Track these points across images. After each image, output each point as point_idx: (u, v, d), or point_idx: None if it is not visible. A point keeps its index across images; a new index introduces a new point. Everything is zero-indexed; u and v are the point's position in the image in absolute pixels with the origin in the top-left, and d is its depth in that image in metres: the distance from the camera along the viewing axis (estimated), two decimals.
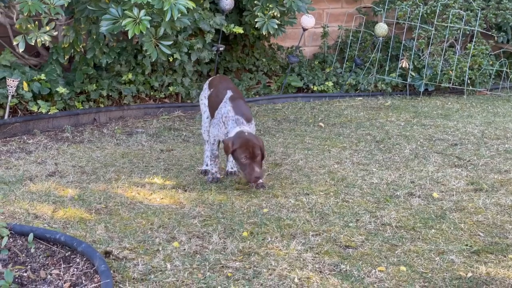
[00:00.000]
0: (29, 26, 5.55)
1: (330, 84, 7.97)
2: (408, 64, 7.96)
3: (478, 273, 3.17)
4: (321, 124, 6.48)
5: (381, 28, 7.81)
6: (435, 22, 7.93)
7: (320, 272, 3.21)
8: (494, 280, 3.10)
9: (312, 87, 7.94)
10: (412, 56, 8.01)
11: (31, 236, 3.36)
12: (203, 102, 4.85)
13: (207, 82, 4.93)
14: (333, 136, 5.97)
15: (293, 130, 6.23)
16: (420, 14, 7.91)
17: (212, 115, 4.65)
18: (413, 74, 7.95)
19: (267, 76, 8.03)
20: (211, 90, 4.76)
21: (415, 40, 8.05)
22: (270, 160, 5.13)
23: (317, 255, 3.39)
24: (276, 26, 6.87)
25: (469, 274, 3.15)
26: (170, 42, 5.80)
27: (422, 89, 7.87)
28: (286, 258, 3.35)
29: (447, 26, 7.89)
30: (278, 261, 3.31)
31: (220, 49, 7.19)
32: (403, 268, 3.22)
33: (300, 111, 7.14)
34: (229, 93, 4.58)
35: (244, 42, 7.84)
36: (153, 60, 5.78)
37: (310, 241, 3.56)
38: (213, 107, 4.62)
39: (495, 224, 3.78)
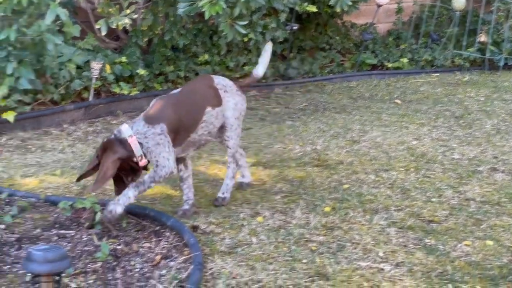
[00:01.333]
0: (110, 10, 5.72)
1: (405, 60, 7.88)
2: (487, 38, 7.77)
3: None
4: (397, 101, 6.44)
5: (458, 2, 7.65)
6: None
7: (405, 246, 3.23)
8: None
9: (386, 64, 7.88)
10: (491, 30, 7.81)
11: (124, 212, 3.51)
12: None
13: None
14: (410, 113, 5.93)
15: (369, 108, 6.21)
16: None
17: None
18: (492, 48, 7.76)
19: (340, 54, 8.00)
20: None
21: (494, 13, 7.84)
22: (348, 137, 5.15)
23: (400, 230, 3.41)
24: (350, 3, 6.80)
25: None
26: (245, 22, 5.85)
27: (501, 64, 7.68)
28: (370, 233, 3.38)
29: None
30: (362, 235, 3.35)
31: (294, 28, 7.21)
32: (489, 242, 3.21)
33: (375, 89, 7.10)
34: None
35: (317, 20, 7.83)
36: (229, 40, 5.85)
37: (393, 216, 3.58)
38: None
39: None
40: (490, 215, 3.54)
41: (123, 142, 3.48)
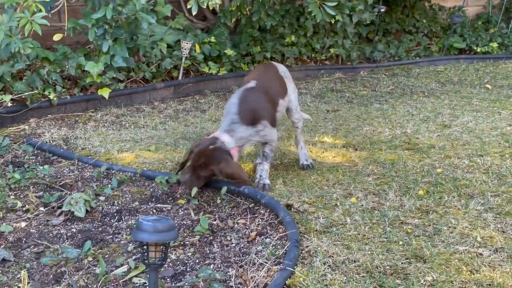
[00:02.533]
0: None
1: (495, 45, 7.66)
2: None
3: None
4: (488, 86, 6.28)
5: None
6: None
7: (503, 232, 3.17)
8: None
9: (475, 48, 7.68)
10: None
11: (224, 189, 3.59)
12: None
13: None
14: (502, 98, 5.77)
15: (458, 92, 6.08)
16: None
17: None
18: None
19: (427, 38, 7.85)
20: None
21: None
22: (438, 122, 5.07)
23: (498, 216, 3.34)
24: None
25: None
26: (335, 3, 5.82)
27: None
28: (466, 217, 3.33)
29: None
30: (458, 220, 3.30)
31: (381, 10, 7.12)
32: None
33: (464, 73, 6.94)
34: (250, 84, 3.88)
35: (404, 3, 7.71)
36: (318, 21, 5.83)
37: (490, 202, 3.51)
38: None
39: None
40: None
41: (229, 153, 3.63)
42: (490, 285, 2.71)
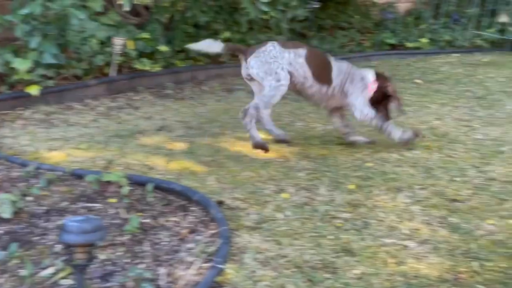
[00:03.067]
0: None
1: (425, 40, 7.85)
2: (508, 19, 7.71)
3: None
4: (418, 81, 6.43)
5: None
6: None
7: (429, 224, 3.26)
8: None
9: (406, 44, 7.84)
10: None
11: (150, 186, 3.56)
12: None
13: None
14: (431, 93, 5.92)
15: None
16: None
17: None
18: None
19: (360, 33, 7.98)
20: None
21: None
22: None
23: (424, 208, 3.43)
24: None
25: None
26: (268, 0, 5.87)
27: None
28: (394, 210, 3.41)
29: None
30: (386, 213, 3.37)
31: (315, 6, 7.20)
32: None
33: (396, 68, 7.08)
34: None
35: None
36: (251, 17, 5.86)
37: (417, 194, 3.60)
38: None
39: None
40: None
41: None
42: (415, 276, 2.78)
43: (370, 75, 4.35)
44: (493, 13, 7.95)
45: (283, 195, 3.61)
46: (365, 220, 3.30)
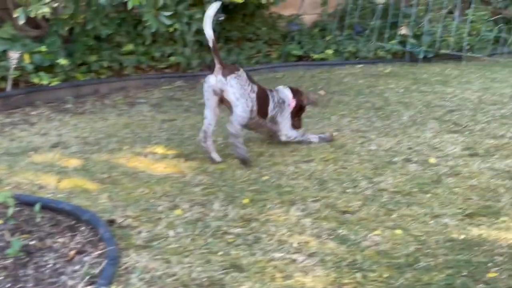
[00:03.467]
0: None
1: (330, 52, 8.00)
2: (408, 31, 7.98)
3: (470, 235, 3.27)
4: (321, 92, 6.54)
5: None
6: None
7: (318, 237, 3.30)
8: (485, 242, 3.20)
9: (312, 55, 7.98)
10: (411, 23, 8.02)
11: (37, 206, 3.46)
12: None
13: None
14: (332, 104, 6.03)
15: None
16: None
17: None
18: (412, 41, 7.97)
19: (267, 45, 8.05)
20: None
21: (414, 7, 8.05)
22: None
23: (315, 221, 3.48)
24: None
25: (462, 236, 3.25)
26: (170, 13, 5.83)
27: (421, 56, 7.90)
28: (286, 224, 3.44)
29: None
30: (278, 227, 3.40)
31: (220, 18, 7.21)
32: (398, 231, 3.32)
33: (301, 80, 7.19)
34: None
35: (244, 11, 7.85)
36: (153, 31, 5.82)
37: (309, 207, 3.65)
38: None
39: (489, 188, 3.87)
40: (401, 205, 3.65)
41: None
42: None
43: (289, 94, 4.76)
44: (395, 26, 8.20)
45: (176, 212, 3.59)
46: (256, 235, 3.32)
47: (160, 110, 5.86)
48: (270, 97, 4.61)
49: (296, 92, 4.80)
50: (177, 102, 6.17)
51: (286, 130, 4.72)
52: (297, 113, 4.80)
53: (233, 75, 4.30)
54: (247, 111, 4.33)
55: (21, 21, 5.53)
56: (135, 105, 6.02)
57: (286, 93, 4.75)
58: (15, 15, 5.73)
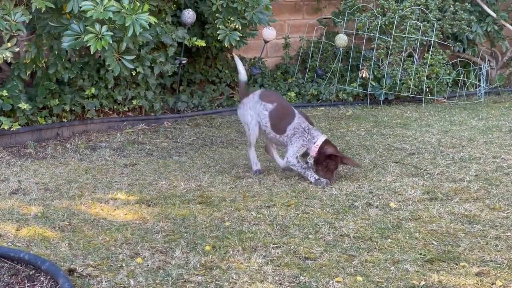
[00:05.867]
0: None
1: (292, 94, 8.10)
2: (368, 74, 8.13)
3: (430, 281, 3.30)
4: None
5: (341, 39, 7.96)
6: (393, 33, 8.12)
7: (280, 284, 3.31)
8: None
9: None
10: (372, 66, 8.18)
11: None
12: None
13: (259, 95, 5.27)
14: None
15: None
16: (379, 25, 8.10)
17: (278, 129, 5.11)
18: (373, 83, 8.12)
19: (230, 88, 8.12)
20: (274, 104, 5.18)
21: (375, 50, 8.23)
22: (233, 173, 5.23)
23: (277, 267, 3.49)
24: (238, 38, 6.97)
25: (422, 283, 3.28)
26: (133, 57, 5.87)
27: (382, 98, 8.04)
28: (247, 271, 3.44)
29: (405, 36, 8.09)
30: (239, 274, 3.40)
31: (183, 62, 7.26)
32: (359, 278, 3.34)
33: None
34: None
35: (206, 54, 7.92)
36: (116, 74, 5.82)
37: (271, 254, 3.65)
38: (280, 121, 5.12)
39: (448, 232, 3.93)
40: (362, 250, 3.68)
41: None
42: None
43: (318, 139, 5.12)
44: (356, 68, 8.36)
45: (137, 260, 3.56)
46: (218, 283, 3.31)
47: (122, 154, 5.84)
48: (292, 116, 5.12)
49: (327, 144, 5.01)
50: (139, 146, 6.16)
51: (290, 154, 5.02)
52: (322, 163, 4.96)
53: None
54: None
55: None
56: (96, 149, 5.99)
57: (317, 135, 5.06)
58: None
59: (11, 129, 5.88)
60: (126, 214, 4.30)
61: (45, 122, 6.27)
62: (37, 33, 6.03)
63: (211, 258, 3.60)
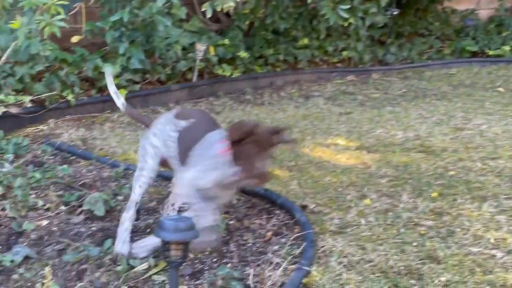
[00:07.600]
0: None
1: (507, 48, 7.69)
2: None
3: None
4: (500, 89, 6.31)
5: None
6: None
7: None
8: None
9: (487, 51, 7.70)
10: None
11: None
12: None
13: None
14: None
15: (471, 95, 6.12)
16: None
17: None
18: None
19: (440, 41, 7.89)
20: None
21: None
22: (451, 124, 5.11)
23: (511, 218, 3.38)
24: None
25: None
26: (348, 6, 5.89)
27: None
28: (480, 219, 3.37)
29: None
30: (471, 222, 3.35)
31: (394, 13, 7.16)
32: None
33: (476, 76, 6.97)
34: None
35: (417, 6, 7.75)
36: (331, 23, 5.90)
37: (503, 204, 3.55)
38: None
39: None
40: None
41: None
42: (503, 285, 2.76)
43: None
44: None
45: (365, 201, 3.63)
46: (449, 229, 3.29)
47: (335, 103, 5.94)
48: None
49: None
50: (350, 96, 6.22)
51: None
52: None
53: None
54: None
55: (209, 15, 5.81)
56: (310, 97, 6.14)
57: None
58: (202, 9, 6.05)
59: (232, 76, 6.20)
60: (348, 158, 4.38)
61: (261, 71, 6.53)
62: None
63: (440, 204, 3.58)
